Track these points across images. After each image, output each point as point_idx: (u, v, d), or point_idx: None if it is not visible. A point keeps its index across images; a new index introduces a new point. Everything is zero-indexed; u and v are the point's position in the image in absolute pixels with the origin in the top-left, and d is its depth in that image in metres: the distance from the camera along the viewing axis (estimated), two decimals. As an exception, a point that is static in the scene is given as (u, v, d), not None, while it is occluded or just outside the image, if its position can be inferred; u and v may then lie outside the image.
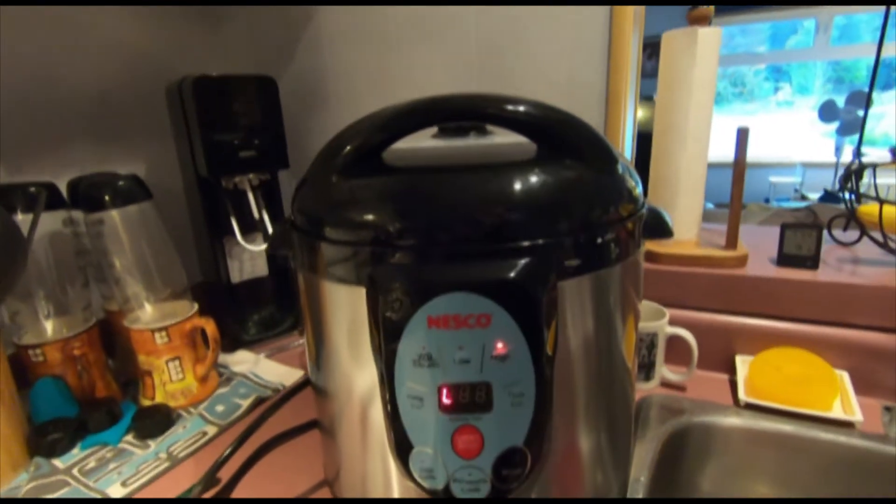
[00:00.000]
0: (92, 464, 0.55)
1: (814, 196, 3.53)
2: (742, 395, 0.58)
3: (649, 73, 0.90)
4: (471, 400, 0.30)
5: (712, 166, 0.72)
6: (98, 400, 0.62)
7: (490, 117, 0.33)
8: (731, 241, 0.66)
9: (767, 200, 3.82)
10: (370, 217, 0.32)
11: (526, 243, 0.30)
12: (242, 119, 0.68)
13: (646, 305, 0.64)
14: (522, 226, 0.30)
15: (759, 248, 0.70)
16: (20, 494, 0.50)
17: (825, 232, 0.65)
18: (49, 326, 0.61)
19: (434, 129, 0.42)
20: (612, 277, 0.34)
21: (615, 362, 0.37)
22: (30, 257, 0.59)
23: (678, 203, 0.69)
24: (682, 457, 0.56)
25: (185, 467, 0.54)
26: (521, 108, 0.33)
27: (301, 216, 0.36)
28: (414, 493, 0.34)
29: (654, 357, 0.61)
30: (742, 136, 0.59)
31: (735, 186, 0.62)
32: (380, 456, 0.36)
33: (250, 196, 0.72)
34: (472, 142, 0.40)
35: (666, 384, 0.63)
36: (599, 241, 0.32)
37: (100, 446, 0.57)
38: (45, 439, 0.56)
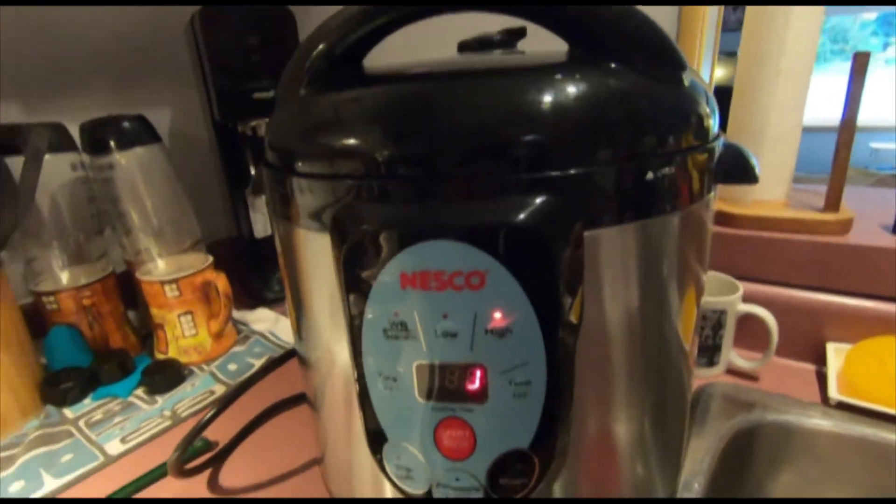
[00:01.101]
0: (99, 416, 0.53)
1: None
2: (833, 392, 0.46)
3: (734, 26, 0.74)
4: (458, 386, 0.23)
5: (804, 130, 0.57)
6: (111, 351, 0.60)
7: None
8: (832, 203, 0.53)
9: (867, 168, 3.37)
10: (339, 139, 0.24)
11: (543, 175, 0.21)
12: (257, 56, 0.62)
13: (713, 277, 0.53)
14: (540, 149, 0.21)
15: (866, 214, 0.56)
16: (26, 441, 0.49)
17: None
18: (65, 275, 0.59)
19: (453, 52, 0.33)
20: (667, 231, 0.25)
21: (665, 343, 0.28)
22: (45, 202, 0.57)
23: (764, 154, 0.56)
24: (749, 460, 0.47)
25: (186, 426, 0.51)
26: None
27: (269, 146, 0.29)
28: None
29: (721, 339, 0.51)
30: (860, 61, 0.45)
31: (845, 129, 0.49)
32: (364, 444, 0.30)
33: (268, 143, 0.67)
34: (485, 58, 0.31)
35: (733, 372, 0.53)
36: (650, 177, 0.23)
37: (110, 398, 0.56)
38: (57, 388, 0.55)
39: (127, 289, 0.64)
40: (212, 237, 0.74)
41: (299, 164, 0.27)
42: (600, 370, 0.26)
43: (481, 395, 0.23)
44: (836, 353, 0.50)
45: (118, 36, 0.69)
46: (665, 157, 0.24)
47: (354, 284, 0.23)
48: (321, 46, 0.26)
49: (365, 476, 0.31)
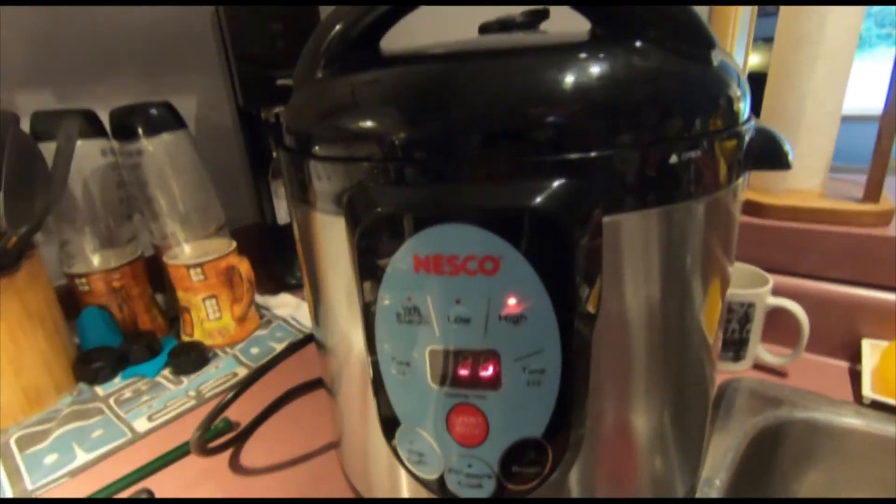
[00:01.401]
0: (128, 394, 0.55)
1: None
2: (867, 390, 0.45)
3: (772, 10, 0.70)
4: (472, 373, 0.23)
5: (845, 119, 0.55)
6: (140, 333, 0.62)
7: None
8: (872, 193, 0.50)
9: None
10: (354, 122, 0.24)
11: (562, 157, 0.21)
12: (280, 42, 0.62)
13: (742, 269, 0.51)
14: (558, 131, 0.21)
15: (910, 204, 0.53)
16: (60, 416, 0.51)
17: None
18: (97, 258, 0.61)
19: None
20: (691, 218, 0.24)
21: (687, 335, 0.27)
22: (77, 187, 0.59)
23: (799, 141, 0.53)
24: (774, 459, 0.45)
25: (209, 407, 0.52)
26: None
27: (287, 130, 0.29)
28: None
29: (748, 333, 0.49)
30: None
31: (888, 116, 0.46)
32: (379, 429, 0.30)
33: (291, 130, 0.67)
34: (513, 37, 0.30)
35: (760, 367, 0.51)
36: (675, 161, 0.22)
37: (138, 378, 0.58)
38: (89, 367, 0.57)
39: (155, 272, 0.66)
40: (236, 223, 0.75)
41: (316, 147, 0.27)
42: (618, 360, 0.25)
43: (494, 382, 0.22)
44: (871, 350, 0.48)
45: (146, 25, 0.70)
46: (691, 141, 0.23)
47: (368, 268, 0.23)
48: (337, 29, 0.26)
49: (380, 461, 0.31)
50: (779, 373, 0.50)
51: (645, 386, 0.27)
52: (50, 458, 0.46)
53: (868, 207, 0.49)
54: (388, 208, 0.21)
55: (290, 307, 0.71)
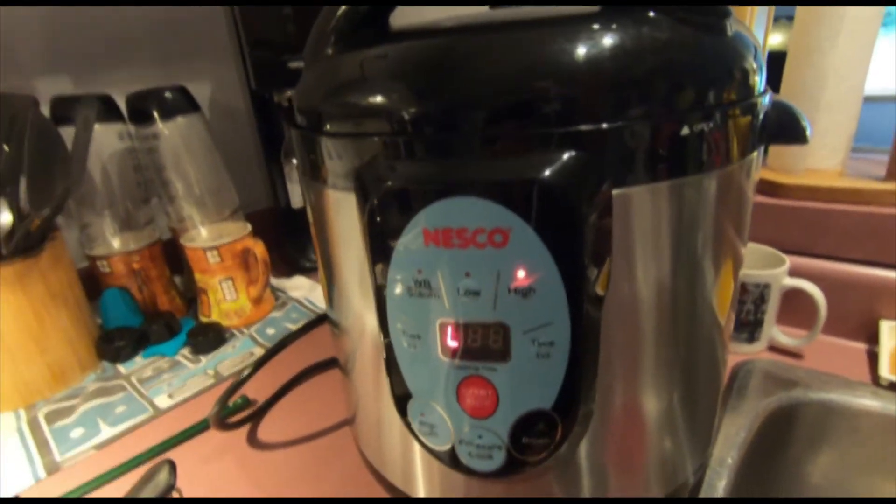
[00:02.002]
0: (149, 373, 0.56)
1: None
2: (885, 372, 0.44)
3: None
4: (482, 344, 0.23)
5: (869, 99, 0.53)
6: (159, 313, 0.64)
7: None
8: (894, 172, 0.49)
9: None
10: (363, 97, 0.24)
11: (571, 130, 0.21)
12: (291, 25, 0.62)
13: (756, 249, 0.50)
14: (569, 104, 0.21)
15: (935, 183, 0.51)
16: (85, 393, 0.53)
17: None
18: (116, 241, 0.63)
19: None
20: (703, 192, 0.24)
21: (697, 313, 0.27)
22: (97, 171, 0.60)
23: (819, 119, 0.52)
24: (787, 439, 0.45)
25: (227, 386, 0.53)
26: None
27: (298, 109, 0.29)
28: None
29: (763, 314, 0.49)
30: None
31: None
32: (391, 403, 0.30)
33: (303, 113, 0.67)
34: (522, 10, 0.29)
35: (775, 349, 0.51)
36: (686, 133, 0.22)
37: (158, 357, 0.59)
38: (111, 346, 0.58)
39: (172, 255, 0.67)
40: (249, 207, 0.76)
41: (326, 124, 0.27)
42: (627, 335, 0.25)
43: (504, 355, 0.23)
44: (890, 332, 0.47)
45: (159, 11, 0.71)
46: (703, 112, 0.22)
47: (379, 242, 0.23)
48: (345, 6, 0.26)
49: (393, 435, 0.32)
50: (794, 354, 0.50)
51: (655, 362, 0.27)
52: (76, 432, 0.47)
53: (890, 186, 0.48)
54: (397, 182, 0.22)
55: (304, 289, 0.72)
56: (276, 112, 0.68)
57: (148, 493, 0.31)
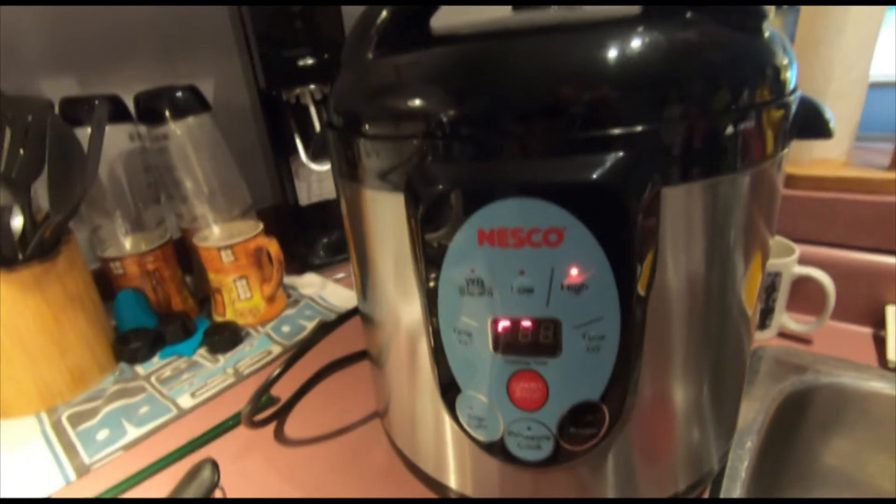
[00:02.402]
0: (168, 373, 0.57)
1: None
2: (893, 355, 0.46)
3: None
4: (533, 340, 0.24)
5: (872, 86, 0.54)
6: (174, 313, 0.64)
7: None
8: (899, 160, 0.50)
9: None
10: (409, 101, 0.24)
11: (618, 131, 0.21)
12: (300, 22, 0.62)
13: (768, 239, 0.52)
14: (614, 106, 0.21)
15: (936, 171, 0.53)
16: (106, 395, 0.53)
17: None
18: (128, 242, 0.63)
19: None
20: (739, 188, 0.25)
21: (730, 305, 0.28)
22: (108, 173, 0.60)
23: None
24: (801, 423, 0.47)
25: (248, 384, 0.54)
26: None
27: (335, 110, 0.30)
28: (467, 442, 0.29)
29: (774, 302, 0.50)
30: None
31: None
32: (429, 396, 0.31)
33: (312, 111, 0.67)
34: (551, 13, 0.30)
35: (785, 335, 0.52)
36: (727, 133, 0.23)
37: (176, 357, 0.59)
38: (127, 347, 0.58)
39: (182, 255, 0.67)
40: (256, 205, 0.76)
41: (367, 126, 0.27)
42: (666, 328, 0.26)
43: (556, 349, 0.23)
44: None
45: (163, 10, 0.70)
46: (741, 112, 0.23)
47: (431, 243, 0.24)
48: (386, 11, 0.26)
49: (427, 425, 0.33)
50: (803, 340, 0.51)
51: (689, 354, 0.28)
52: (102, 434, 0.48)
53: (894, 175, 0.50)
54: (452, 185, 0.22)
55: (315, 286, 0.73)
56: (284, 110, 0.68)
57: (192, 491, 0.31)
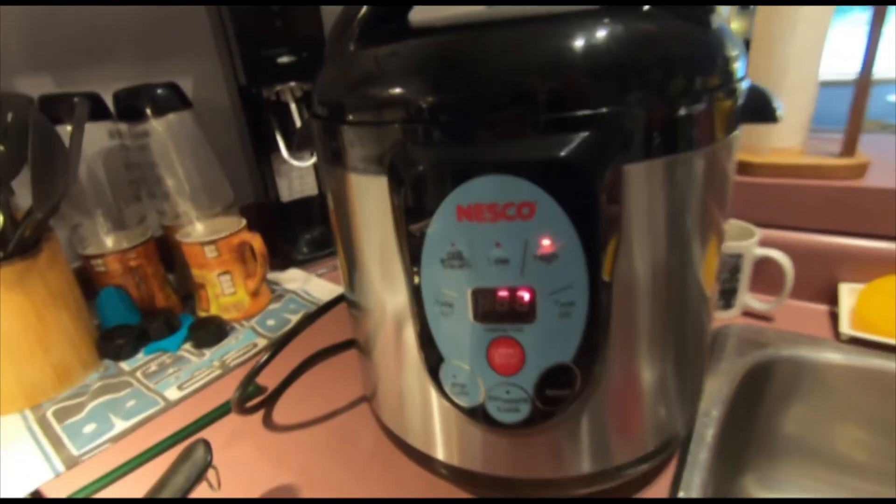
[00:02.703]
0: (153, 368, 0.57)
1: (945, 117, 2.99)
2: (845, 328, 0.49)
3: None
4: (510, 308, 0.26)
5: (824, 84, 0.58)
6: (157, 310, 0.64)
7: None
8: (849, 147, 0.54)
9: (885, 120, 3.30)
10: (389, 89, 0.26)
11: (584, 113, 0.23)
12: (280, 21, 0.63)
13: (732, 224, 0.55)
14: (580, 91, 0.23)
15: (882, 158, 0.57)
16: (91, 391, 0.53)
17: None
18: (109, 239, 0.63)
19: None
20: (693, 167, 0.27)
21: (689, 277, 0.31)
22: (86, 171, 0.60)
23: (782, 101, 0.57)
24: (763, 394, 0.50)
25: (235, 375, 0.55)
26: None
27: (319, 101, 0.31)
28: (452, 412, 0.31)
29: (737, 282, 0.53)
30: (879, 11, 0.46)
31: (863, 75, 0.50)
32: (415, 371, 0.33)
33: (293, 108, 0.68)
34: (522, 7, 0.32)
35: (749, 314, 0.56)
36: (681, 114, 0.25)
37: (161, 352, 0.60)
38: (111, 344, 0.59)
39: (163, 252, 0.67)
40: (238, 202, 0.77)
41: (350, 114, 0.29)
42: (632, 292, 0.28)
43: (530, 316, 0.25)
44: (848, 293, 0.53)
45: (140, 8, 0.70)
46: (694, 96, 0.25)
47: (413, 220, 0.25)
48: (366, 6, 0.28)
49: (415, 402, 0.34)
50: (765, 318, 0.54)
51: (651, 321, 0.30)
52: (88, 428, 0.48)
53: (845, 162, 0.53)
54: (431, 165, 0.24)
55: (299, 281, 0.74)
56: (265, 107, 0.69)
57: (186, 470, 0.32)
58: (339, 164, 0.31)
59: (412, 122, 0.26)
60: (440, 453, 0.34)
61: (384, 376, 0.36)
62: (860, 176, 0.53)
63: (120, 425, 0.48)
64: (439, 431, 0.34)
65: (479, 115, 0.24)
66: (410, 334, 0.31)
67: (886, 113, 3.47)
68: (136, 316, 0.63)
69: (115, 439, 0.46)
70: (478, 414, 0.29)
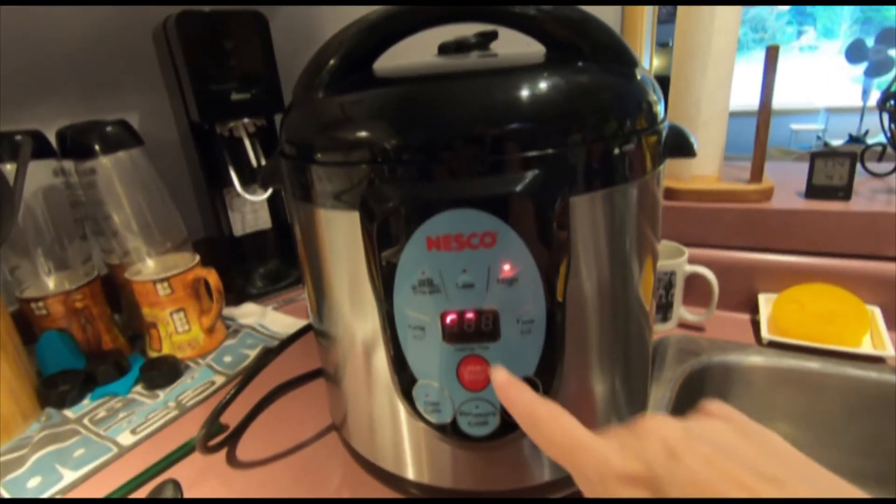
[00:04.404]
0: (102, 413, 0.55)
1: (837, 143, 3.39)
2: (765, 333, 0.55)
3: (665, 18, 0.83)
4: (476, 328, 0.28)
5: (731, 115, 0.66)
6: (105, 352, 0.62)
7: (494, 14, 0.29)
8: (756, 174, 0.62)
9: (788, 147, 3.68)
10: (359, 133, 0.29)
11: (533, 154, 0.27)
12: (233, 58, 0.64)
13: (664, 245, 0.60)
14: (529, 135, 0.27)
15: (785, 182, 0.65)
16: (32, 442, 0.50)
17: (858, 164, 0.60)
18: (51, 280, 0.60)
19: (433, 53, 0.38)
20: (628, 197, 0.31)
21: (630, 293, 0.34)
22: (24, 211, 0.57)
23: (698, 135, 0.64)
24: (700, 396, 0.54)
25: (194, 415, 0.53)
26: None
27: (288, 141, 0.33)
28: (422, 431, 0.33)
29: (672, 297, 0.59)
30: (772, 54, 0.54)
31: (763, 112, 0.57)
32: (386, 394, 0.34)
33: (247, 143, 0.69)
34: (474, 59, 0.36)
35: (684, 325, 0.61)
36: (616, 152, 0.29)
37: (109, 397, 0.57)
38: (54, 391, 0.56)
39: (108, 291, 0.65)
40: (189, 238, 0.75)
41: (319, 154, 0.31)
42: (583, 308, 0.31)
43: (495, 334, 0.28)
44: (766, 302, 0.59)
45: (84, 43, 0.69)
46: (626, 137, 0.30)
47: (385, 252, 0.28)
48: (335, 57, 0.30)
49: (385, 424, 0.36)
50: (698, 328, 0.60)
51: (600, 337, 0.34)
52: (33, 482, 0.45)
53: (754, 187, 0.61)
54: (404, 201, 0.26)
55: (255, 315, 0.73)
56: (217, 143, 0.69)
57: (156, 512, 0.32)
58: (308, 199, 0.33)
59: (379, 161, 0.28)
60: (410, 473, 0.36)
61: (354, 402, 0.38)
62: (768, 199, 0.61)
63: (69, 476, 0.46)
64: (409, 451, 0.35)
65: (442, 157, 0.27)
66: (382, 358, 0.32)
67: (790, 140, 3.88)
68: (80, 360, 0.60)
69: (65, 492, 0.44)
70: (449, 430, 0.31)
